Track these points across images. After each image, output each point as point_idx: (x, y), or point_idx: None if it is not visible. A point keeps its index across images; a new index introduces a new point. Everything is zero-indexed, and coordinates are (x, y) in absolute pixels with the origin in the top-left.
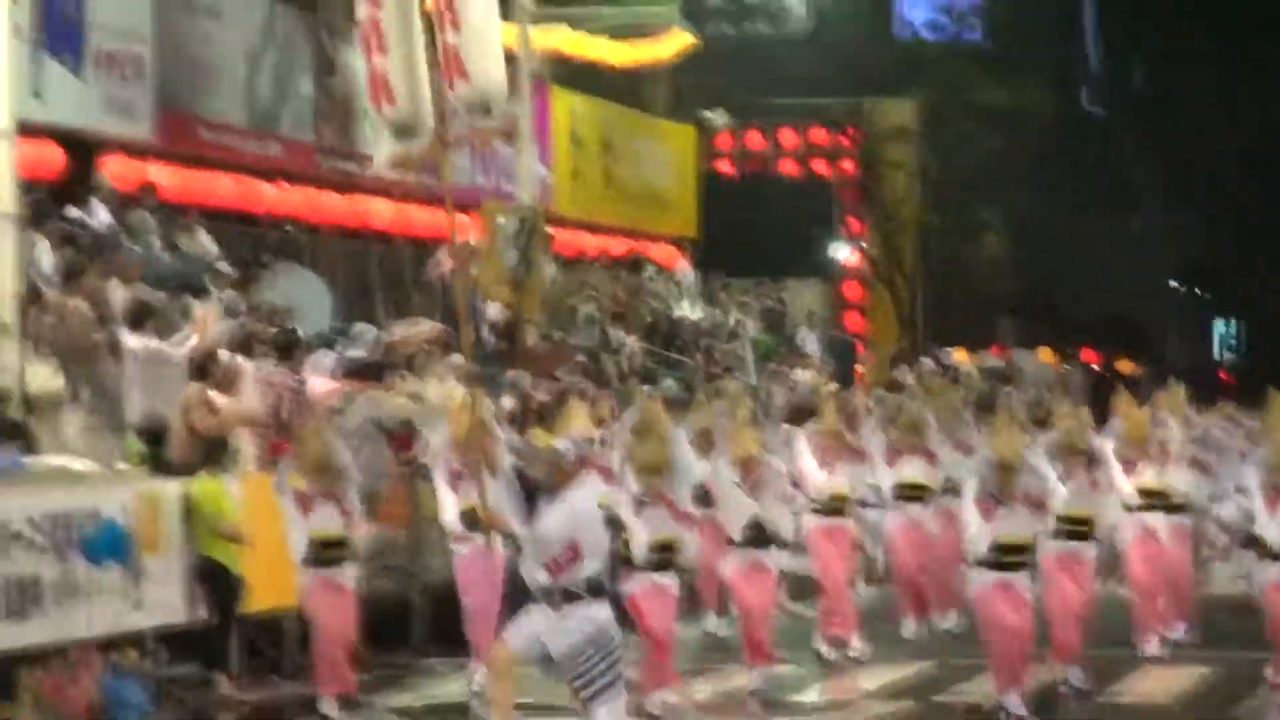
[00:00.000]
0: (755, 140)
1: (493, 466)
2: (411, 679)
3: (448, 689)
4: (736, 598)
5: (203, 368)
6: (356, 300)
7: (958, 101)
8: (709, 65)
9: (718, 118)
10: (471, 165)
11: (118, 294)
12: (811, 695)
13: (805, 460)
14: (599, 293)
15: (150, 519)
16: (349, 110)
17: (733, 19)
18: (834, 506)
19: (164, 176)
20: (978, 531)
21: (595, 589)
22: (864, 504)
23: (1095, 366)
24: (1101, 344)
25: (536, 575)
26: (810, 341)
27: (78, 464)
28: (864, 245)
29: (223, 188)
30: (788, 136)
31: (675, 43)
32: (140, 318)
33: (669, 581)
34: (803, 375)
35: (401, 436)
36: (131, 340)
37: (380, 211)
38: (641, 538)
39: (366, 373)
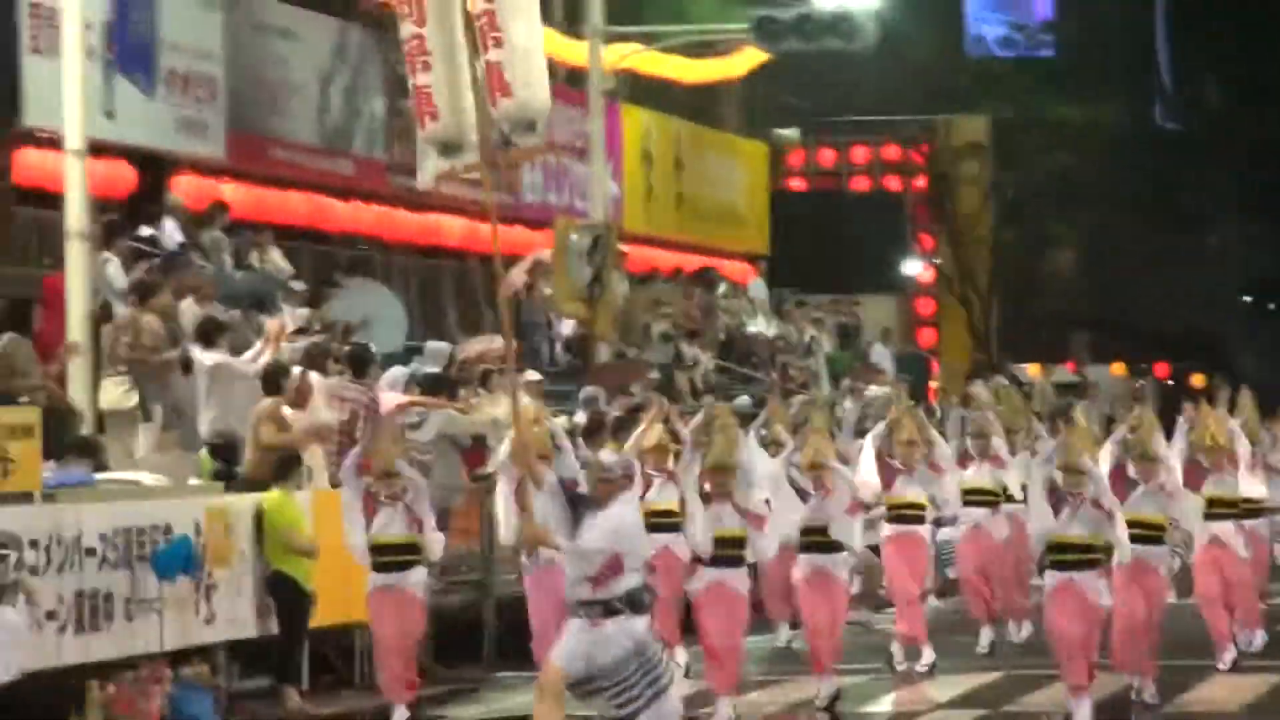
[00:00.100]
0: (827, 157)
1: (538, 481)
2: (482, 693)
3: (517, 702)
4: (803, 607)
5: (274, 383)
6: (429, 316)
7: (1030, 117)
8: (781, 82)
9: (790, 134)
10: (544, 182)
11: (190, 311)
12: (880, 706)
13: (865, 468)
14: (672, 309)
15: (221, 533)
16: None
17: (804, 35)
18: (907, 515)
19: (236, 195)
20: (1041, 528)
21: (635, 603)
22: (939, 522)
23: (1167, 380)
24: (1174, 358)
25: (577, 589)
26: (884, 357)
27: (149, 479)
28: (937, 261)
29: (294, 206)
30: (859, 153)
31: (747, 59)
32: (212, 334)
33: (734, 581)
34: (876, 391)
35: (474, 452)
36: (203, 357)
37: (452, 228)
38: (705, 531)
39: (439, 388)
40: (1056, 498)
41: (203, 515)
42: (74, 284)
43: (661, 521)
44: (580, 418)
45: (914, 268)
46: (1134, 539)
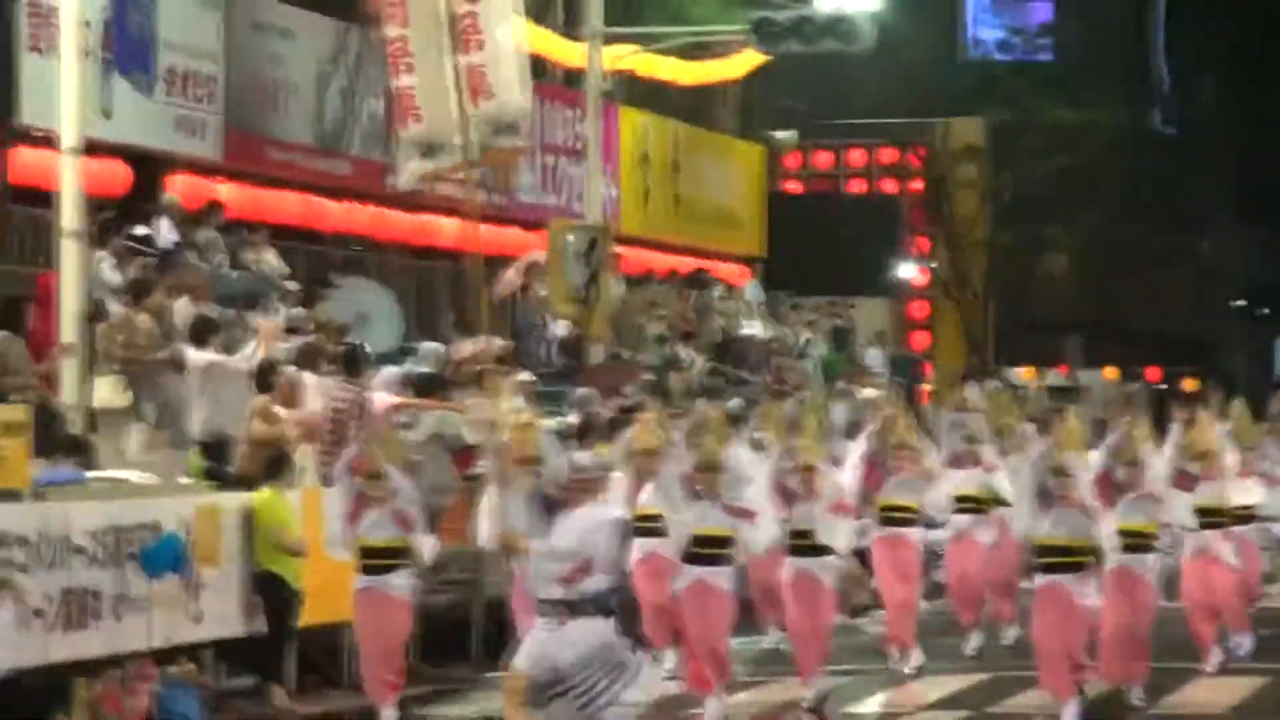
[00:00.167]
0: (823, 159)
1: (512, 484)
2: (469, 692)
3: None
4: (788, 611)
5: (266, 381)
6: (423, 317)
7: (1027, 121)
8: (778, 84)
9: (786, 137)
10: (540, 184)
11: (183, 310)
12: (867, 706)
13: (849, 470)
14: (667, 311)
15: (210, 532)
16: None
17: (803, 37)
18: (897, 518)
19: (231, 195)
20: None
21: (602, 605)
22: (928, 525)
23: (1159, 384)
24: (1166, 362)
25: (545, 588)
26: (877, 360)
27: (138, 477)
28: (932, 264)
29: (290, 206)
30: (856, 155)
31: (744, 62)
32: (205, 334)
33: (717, 580)
34: (869, 393)
35: (466, 453)
36: (196, 356)
37: (446, 229)
38: (685, 529)
39: (432, 389)
40: (1044, 500)
41: (191, 514)
42: (67, 283)
43: (651, 526)
44: (573, 419)
45: (909, 271)
46: (1123, 548)
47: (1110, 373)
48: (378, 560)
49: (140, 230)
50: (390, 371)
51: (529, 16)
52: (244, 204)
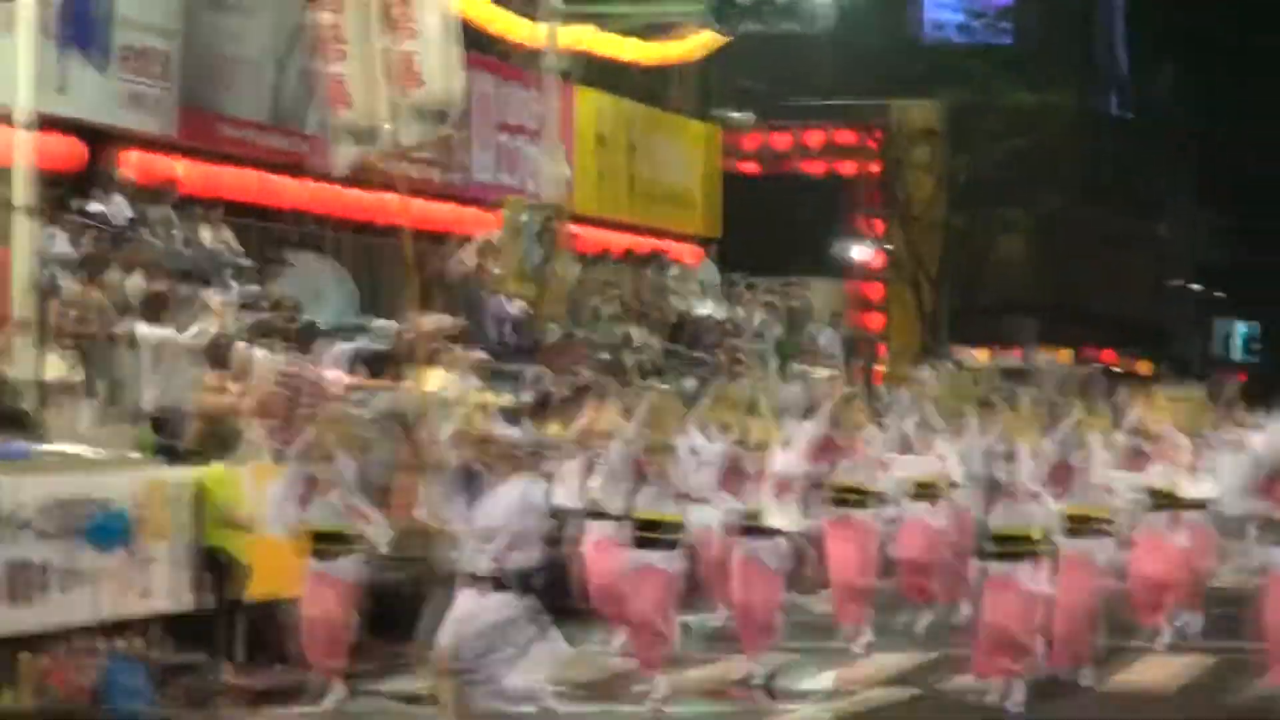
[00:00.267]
0: (780, 140)
1: (435, 467)
2: (419, 668)
3: None
4: (735, 588)
5: (218, 357)
6: (377, 294)
7: (983, 103)
8: (734, 65)
9: (743, 118)
10: (496, 163)
11: (136, 286)
12: (814, 684)
13: (797, 449)
14: (621, 291)
15: (158, 506)
16: None
17: (761, 18)
18: (849, 499)
19: (186, 171)
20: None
21: (523, 581)
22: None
23: (1114, 367)
24: (1121, 345)
25: (471, 561)
26: (831, 341)
27: (87, 452)
28: (887, 246)
29: (244, 183)
30: (812, 136)
31: (702, 42)
32: (156, 309)
33: (664, 564)
34: (822, 374)
35: (417, 430)
36: (147, 331)
37: (402, 208)
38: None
39: (383, 366)
40: (994, 487)
41: (140, 488)
42: (19, 258)
43: (603, 508)
44: (526, 397)
45: (864, 252)
46: (1074, 532)
47: (1064, 355)
48: (327, 545)
49: (94, 206)
50: (341, 348)
51: None
52: (198, 180)
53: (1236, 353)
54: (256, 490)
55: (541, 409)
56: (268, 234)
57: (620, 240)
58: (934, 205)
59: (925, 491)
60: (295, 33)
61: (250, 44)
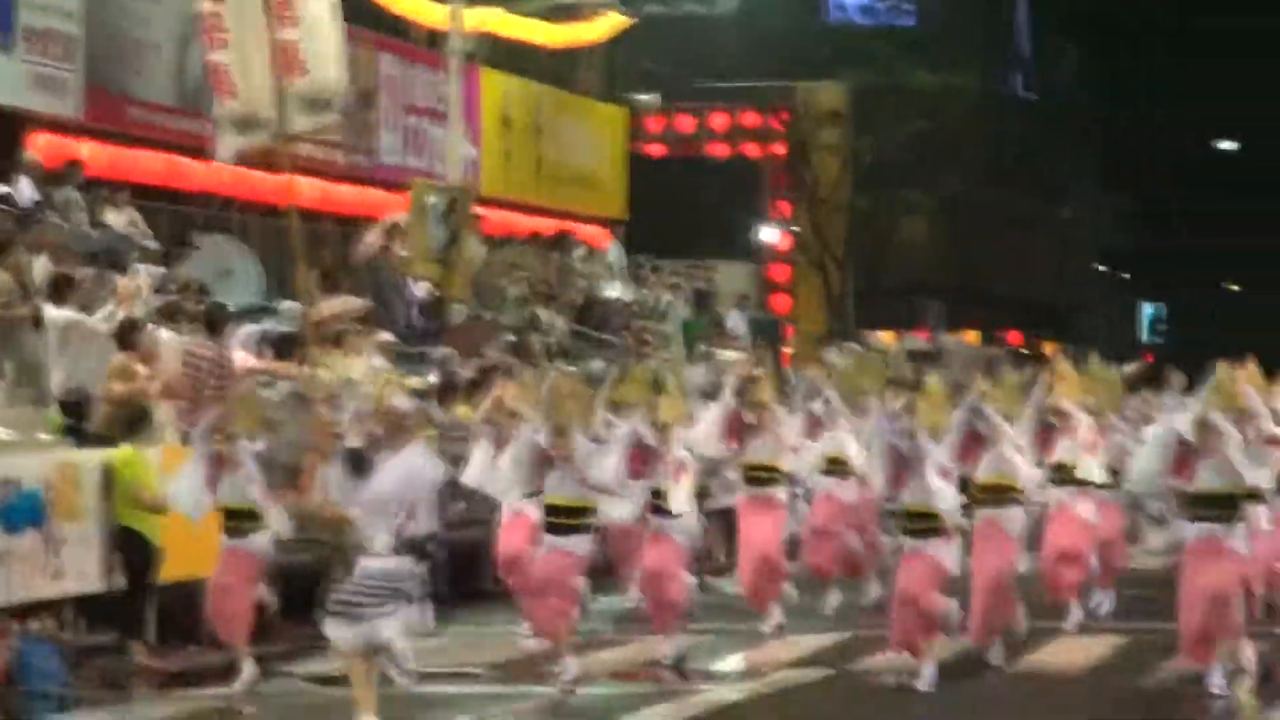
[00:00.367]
0: (685, 122)
1: (326, 456)
2: (330, 650)
3: None
4: (645, 562)
5: (126, 340)
6: (284, 276)
7: (888, 86)
8: (640, 47)
9: (649, 100)
10: (401, 145)
11: (42, 268)
12: (727, 665)
13: (705, 429)
14: (528, 273)
15: (69, 488)
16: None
17: (665, 1)
18: (761, 478)
19: (92, 153)
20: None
21: (419, 549)
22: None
23: (1020, 348)
24: (1027, 326)
25: (376, 533)
26: (738, 323)
27: None
28: (793, 228)
29: (151, 165)
30: (718, 119)
31: (607, 24)
32: (63, 291)
33: (571, 546)
34: (729, 356)
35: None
36: (55, 314)
37: (308, 190)
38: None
39: (290, 348)
40: (901, 466)
41: (51, 470)
42: None
43: None
44: (434, 379)
45: (770, 234)
46: (985, 502)
47: (971, 336)
48: (238, 522)
49: (0, 189)
50: (248, 330)
51: None
52: (106, 163)
53: (1143, 334)
54: (166, 472)
55: (449, 391)
56: (175, 216)
57: (526, 222)
58: (839, 187)
59: (835, 468)
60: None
61: (156, 27)
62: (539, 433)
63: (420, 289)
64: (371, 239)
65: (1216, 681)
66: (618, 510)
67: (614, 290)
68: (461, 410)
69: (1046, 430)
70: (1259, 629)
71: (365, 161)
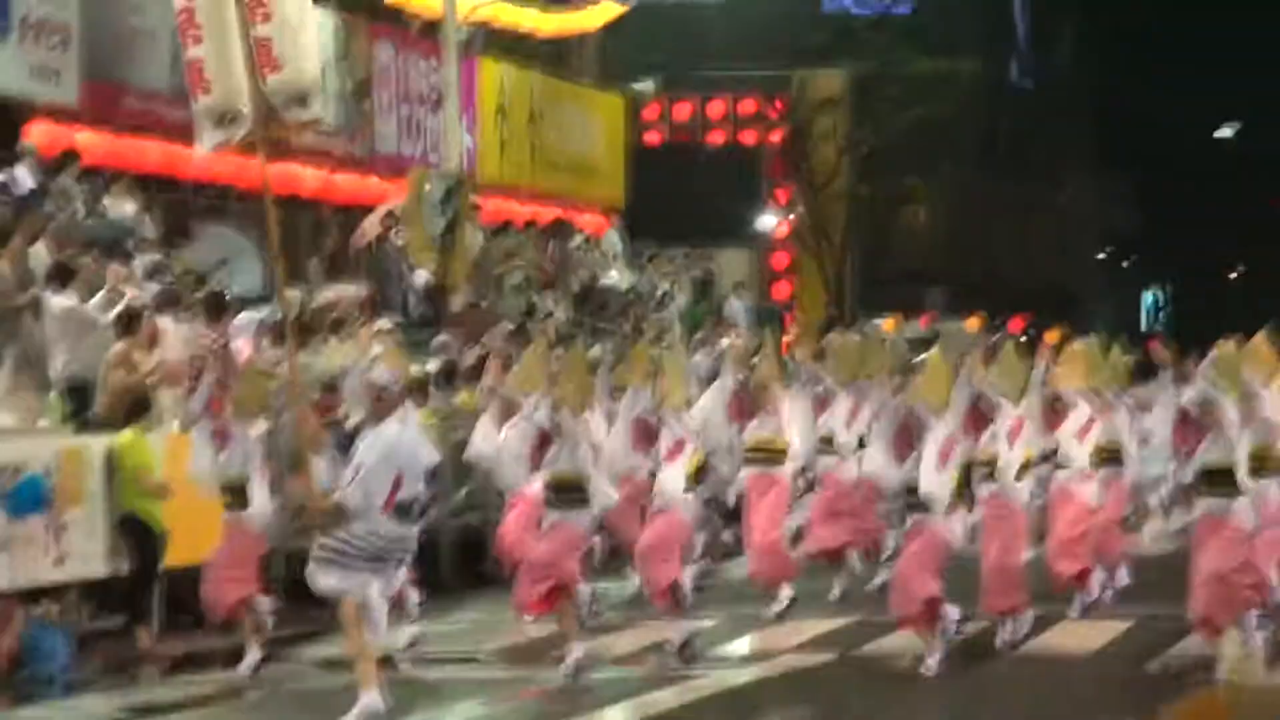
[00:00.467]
0: (684, 110)
1: (317, 447)
2: (334, 633)
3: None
4: (642, 543)
5: (127, 326)
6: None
7: (887, 73)
8: (638, 35)
9: (646, 88)
10: (399, 133)
11: (41, 256)
12: (733, 649)
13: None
14: (526, 260)
15: (73, 474)
16: None
17: None
18: (765, 456)
19: (89, 142)
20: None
21: (403, 510)
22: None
23: (1022, 335)
24: (1029, 313)
25: (373, 502)
26: (738, 310)
27: (0, 420)
28: (792, 215)
29: (149, 153)
30: (716, 107)
31: (604, 12)
32: (64, 279)
33: (574, 520)
34: (730, 343)
35: (325, 396)
36: (54, 301)
37: (307, 178)
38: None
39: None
40: (905, 443)
41: (55, 456)
42: None
43: None
44: (433, 366)
45: (769, 222)
46: (990, 476)
47: (973, 323)
48: (236, 498)
49: None
50: (247, 317)
51: None
52: (102, 151)
53: (1143, 318)
54: (169, 458)
55: (449, 378)
56: (173, 204)
57: (524, 210)
58: (838, 175)
59: (833, 449)
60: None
61: (152, 15)
62: (540, 410)
63: (419, 276)
64: (368, 226)
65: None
66: (603, 496)
67: (613, 277)
68: (462, 397)
69: (1052, 414)
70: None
71: (363, 150)
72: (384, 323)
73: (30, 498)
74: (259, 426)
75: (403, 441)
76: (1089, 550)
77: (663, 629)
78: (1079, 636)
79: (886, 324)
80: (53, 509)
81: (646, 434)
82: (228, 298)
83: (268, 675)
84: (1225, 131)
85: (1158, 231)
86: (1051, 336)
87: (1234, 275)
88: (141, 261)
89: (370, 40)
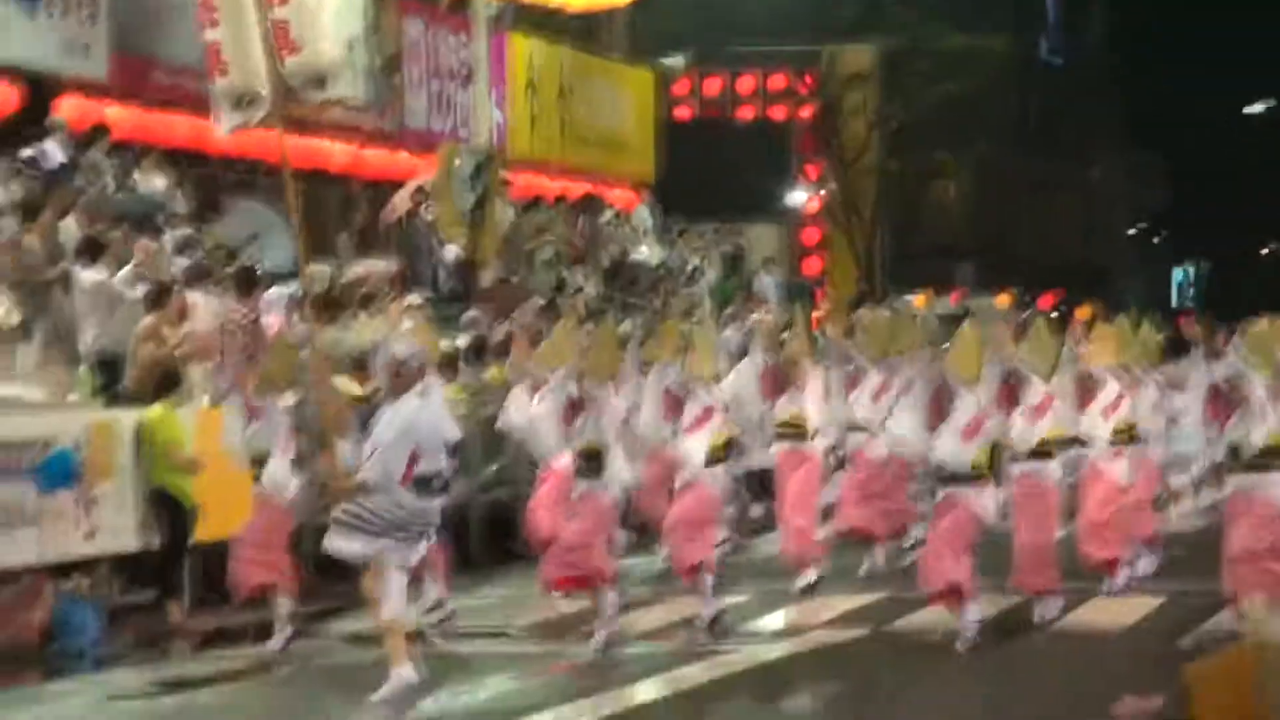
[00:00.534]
0: (713, 85)
1: (342, 430)
2: (362, 608)
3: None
4: (670, 517)
5: (156, 301)
6: (314, 240)
7: (916, 48)
8: (668, 9)
9: (676, 63)
10: (429, 108)
11: (71, 230)
12: (762, 624)
13: (738, 384)
14: (556, 235)
15: (103, 448)
16: None
17: None
18: (796, 431)
19: (119, 116)
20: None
21: (423, 483)
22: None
23: (1053, 312)
24: (1060, 289)
25: (391, 477)
26: (768, 285)
27: (31, 394)
28: (822, 191)
29: (178, 128)
30: (746, 82)
31: None
32: (94, 253)
33: (601, 491)
34: (760, 319)
35: (356, 372)
36: (84, 275)
37: (337, 153)
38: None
39: (320, 309)
40: (937, 415)
41: (84, 430)
42: None
43: None
44: (463, 341)
45: (799, 197)
46: (1026, 456)
47: (1003, 300)
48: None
49: (27, 151)
50: (278, 292)
51: None
52: (131, 126)
53: (1174, 295)
54: (200, 432)
55: (479, 353)
56: (203, 179)
57: (554, 185)
58: (867, 150)
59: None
60: None
61: None
62: (570, 381)
63: (449, 251)
64: (400, 202)
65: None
66: (624, 473)
67: (643, 253)
68: (491, 372)
69: (1083, 391)
70: None
71: (393, 125)
72: (414, 298)
73: (60, 472)
74: (287, 399)
75: (421, 416)
76: (1119, 535)
77: (692, 604)
78: (1111, 613)
79: (917, 300)
80: (83, 483)
81: (676, 408)
82: (259, 272)
83: (298, 650)
84: (1257, 107)
85: (1188, 208)
86: (1082, 313)
87: (1265, 252)
88: (172, 236)
89: (400, 15)
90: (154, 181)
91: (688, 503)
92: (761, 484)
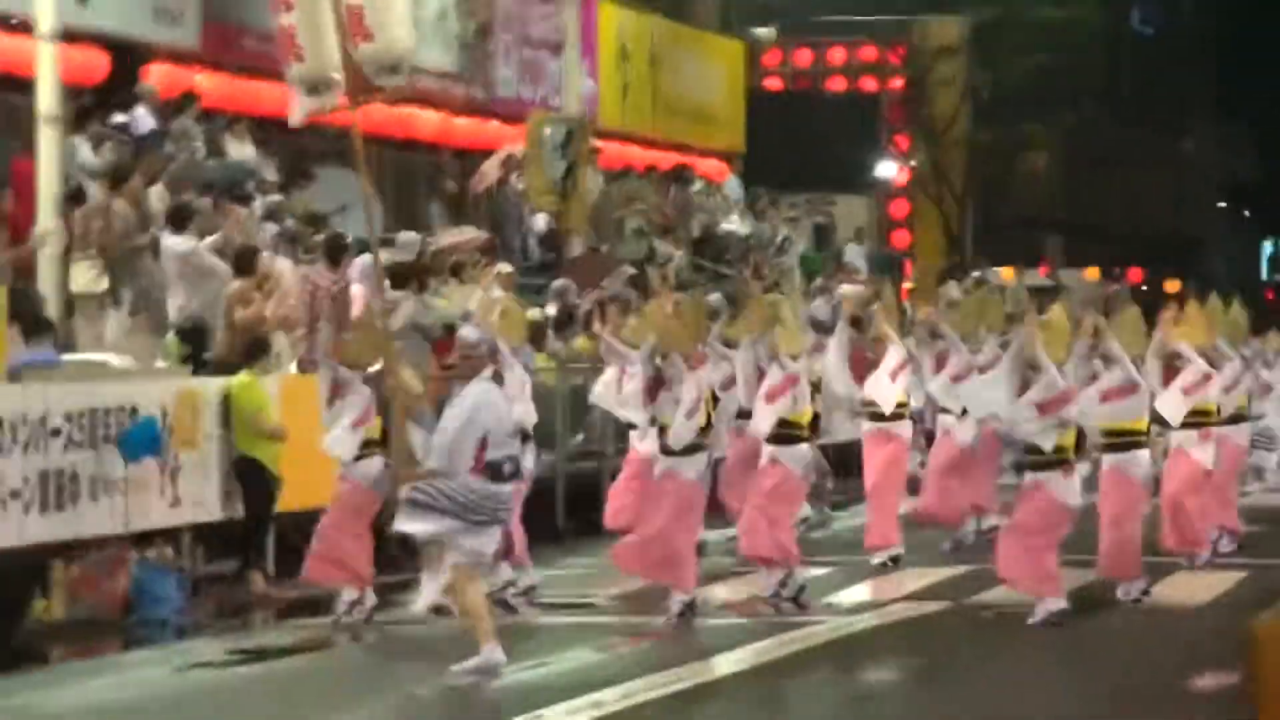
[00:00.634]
0: (803, 57)
1: (415, 416)
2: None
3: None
4: (754, 492)
5: (244, 268)
6: (402, 209)
7: (1007, 19)
8: None
9: (766, 34)
10: (519, 77)
11: (160, 197)
12: (842, 597)
13: (832, 365)
14: (646, 205)
15: (188, 416)
16: None
17: None
18: (880, 411)
19: (208, 84)
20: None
21: (495, 470)
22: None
23: (1141, 285)
24: (1149, 263)
25: (459, 465)
26: (858, 257)
27: (117, 361)
28: (911, 162)
29: (267, 96)
30: (836, 53)
31: None
32: (182, 220)
33: (687, 471)
34: (848, 289)
35: (443, 342)
36: (173, 242)
37: (426, 122)
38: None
39: (407, 278)
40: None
41: (170, 398)
42: (44, 168)
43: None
44: (551, 310)
45: (889, 169)
46: (1108, 447)
47: (1092, 273)
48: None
49: (118, 118)
50: (364, 260)
51: None
52: (222, 93)
53: (1263, 270)
54: (285, 401)
55: (567, 323)
56: (291, 147)
57: (644, 155)
58: (958, 122)
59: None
60: None
61: None
62: (653, 357)
63: (539, 221)
64: (490, 171)
65: None
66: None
67: (732, 223)
68: (580, 342)
69: (1169, 370)
70: None
71: (483, 94)
72: (504, 266)
73: (145, 440)
74: (372, 369)
75: (489, 402)
76: (1199, 523)
77: (771, 577)
78: (1190, 589)
79: (1005, 272)
80: (168, 451)
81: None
82: (348, 241)
83: (379, 621)
84: None
85: (1279, 181)
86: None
87: None
88: (261, 203)
89: None
90: (243, 149)
91: (774, 479)
92: (845, 458)
